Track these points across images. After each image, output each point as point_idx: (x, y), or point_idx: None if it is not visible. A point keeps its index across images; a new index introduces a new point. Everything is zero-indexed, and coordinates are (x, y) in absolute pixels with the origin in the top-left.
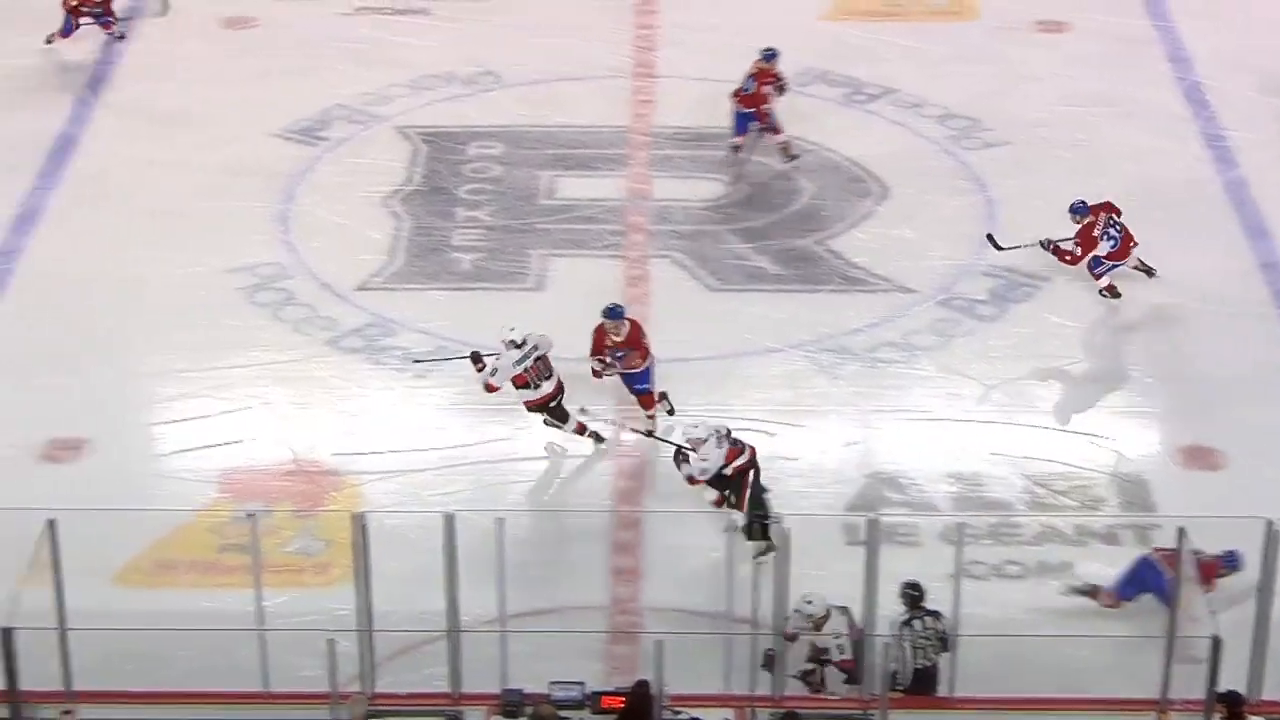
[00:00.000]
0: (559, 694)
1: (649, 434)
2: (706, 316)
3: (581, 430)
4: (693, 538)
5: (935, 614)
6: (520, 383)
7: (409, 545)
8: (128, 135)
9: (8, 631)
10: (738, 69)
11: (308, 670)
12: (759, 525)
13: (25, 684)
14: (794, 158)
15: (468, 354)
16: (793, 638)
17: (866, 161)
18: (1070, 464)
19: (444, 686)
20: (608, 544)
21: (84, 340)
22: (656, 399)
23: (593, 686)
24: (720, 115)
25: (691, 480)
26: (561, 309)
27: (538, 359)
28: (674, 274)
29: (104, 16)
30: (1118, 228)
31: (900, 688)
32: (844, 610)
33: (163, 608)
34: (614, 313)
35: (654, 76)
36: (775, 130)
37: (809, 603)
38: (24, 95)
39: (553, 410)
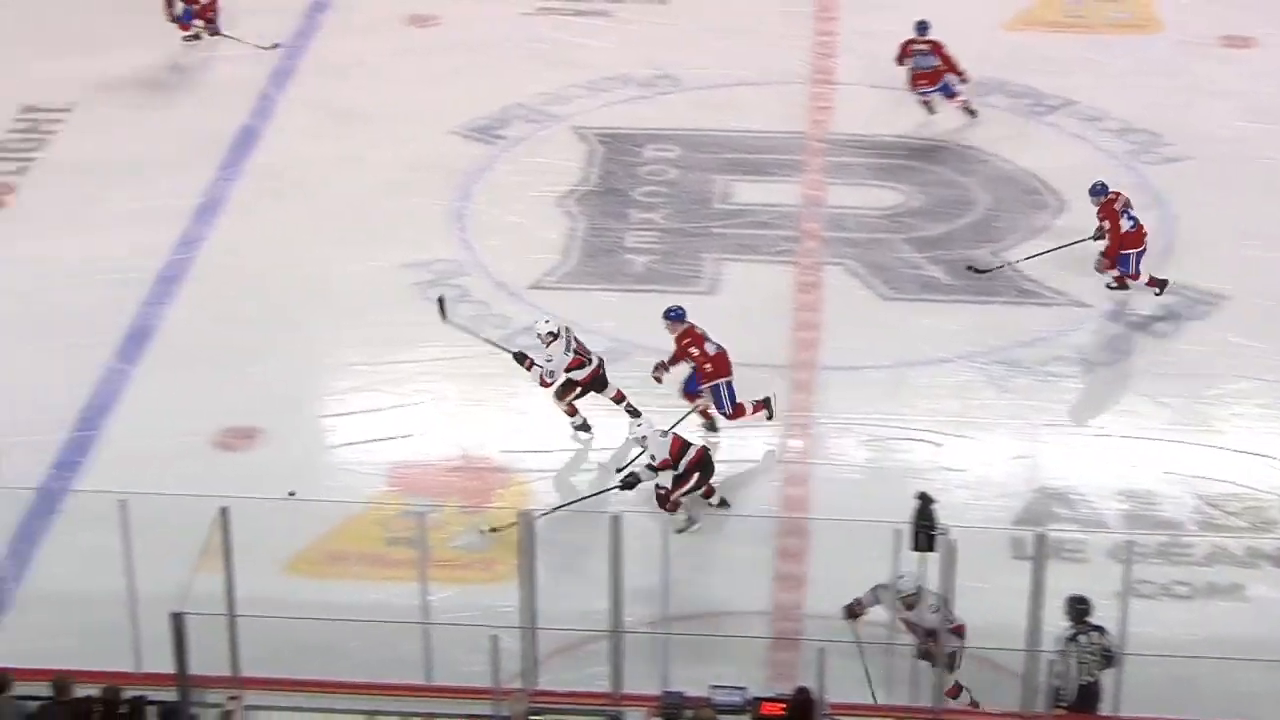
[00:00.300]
0: (720, 698)
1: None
2: (878, 325)
3: (620, 399)
4: (859, 546)
5: (1100, 629)
6: (576, 364)
7: (574, 544)
8: (310, 130)
9: (179, 616)
10: None
11: (471, 665)
12: (925, 536)
13: (194, 668)
14: (973, 113)
15: (513, 352)
16: (856, 615)
17: (1044, 173)
18: (1243, 485)
19: (605, 686)
20: (773, 549)
21: (260, 330)
22: (696, 401)
23: (754, 692)
24: (897, 123)
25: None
26: (734, 313)
27: (577, 339)
28: (847, 282)
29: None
30: (1133, 211)
31: (1064, 704)
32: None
33: (330, 598)
34: (670, 314)
35: (832, 83)
36: (954, 94)
37: (901, 578)
38: (209, 88)
39: (599, 383)
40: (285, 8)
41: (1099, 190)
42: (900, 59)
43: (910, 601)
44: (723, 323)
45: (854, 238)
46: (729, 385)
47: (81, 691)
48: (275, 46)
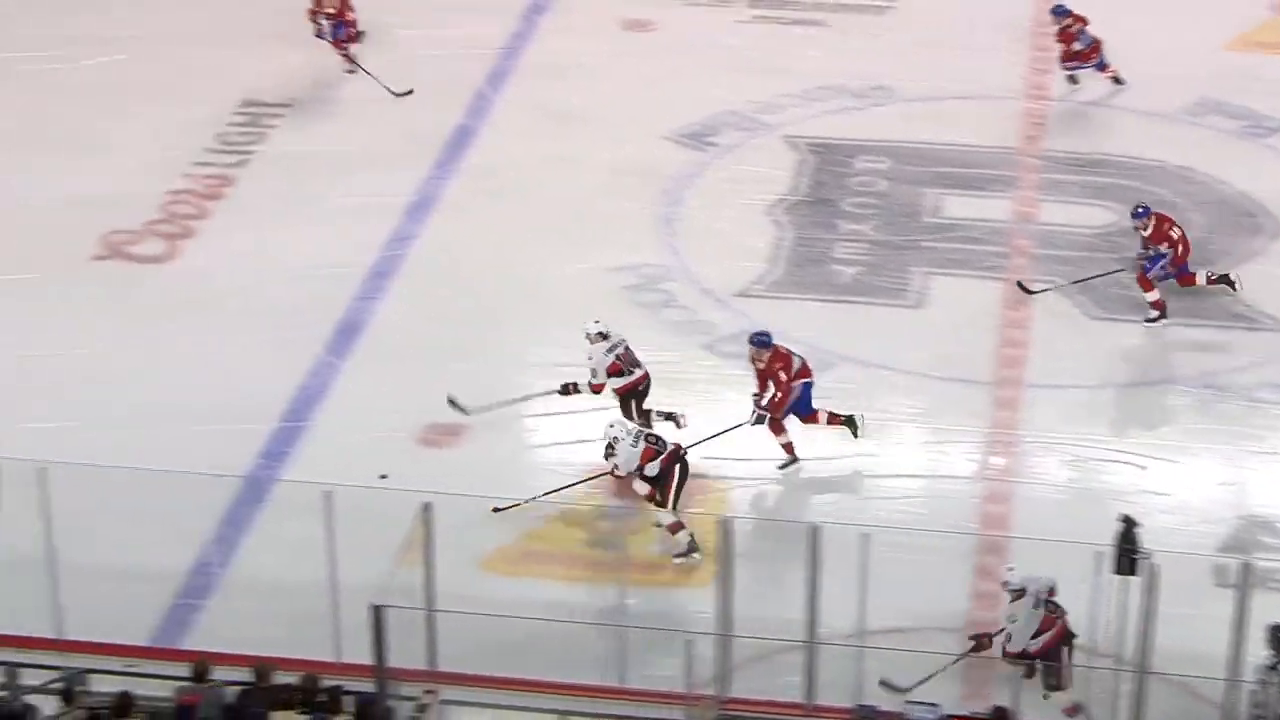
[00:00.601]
0: (915, 714)
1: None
2: (1085, 344)
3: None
4: (1060, 568)
5: None
6: (614, 370)
7: (770, 552)
8: (524, 130)
9: (379, 609)
10: (1135, 96)
11: (664, 669)
12: (1127, 560)
13: (391, 661)
14: (1121, 82)
15: (557, 388)
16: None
17: (1260, 197)
18: None
19: (798, 696)
20: (971, 567)
21: (467, 328)
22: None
23: (948, 709)
24: (1111, 142)
25: (615, 475)
26: (940, 328)
27: (626, 347)
28: (1055, 300)
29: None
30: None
31: None
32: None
33: (526, 596)
34: (757, 340)
35: (1047, 99)
36: (1105, 66)
37: (1010, 569)
38: (426, 86)
39: (639, 396)
40: (504, 9)
41: (1140, 214)
42: (1068, 47)
43: (1015, 596)
44: (928, 337)
45: (1064, 255)
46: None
47: (281, 679)
48: (408, 93)
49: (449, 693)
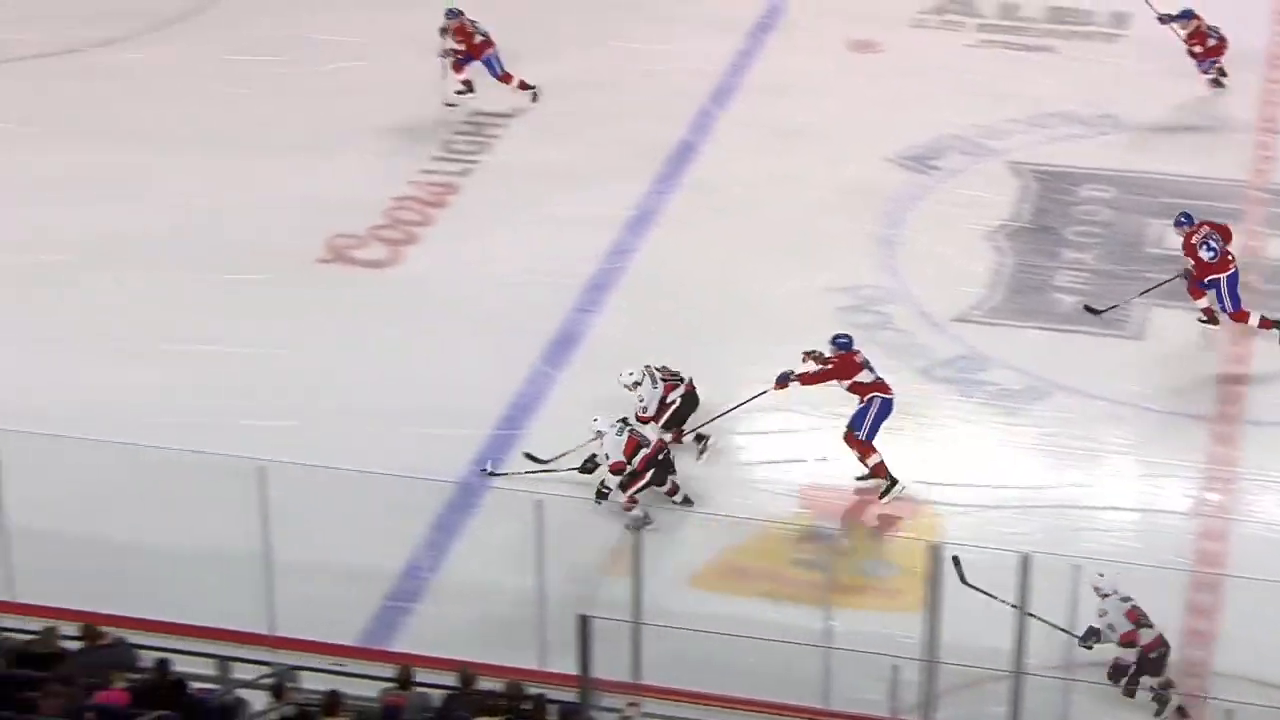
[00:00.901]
0: None
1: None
2: None
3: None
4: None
5: None
6: (671, 388)
7: (982, 580)
8: (746, 147)
9: (586, 619)
10: None
11: (868, 693)
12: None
13: (596, 672)
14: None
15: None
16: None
17: None
18: None
19: None
20: (1183, 603)
21: (683, 342)
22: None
23: None
24: None
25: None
26: (1159, 360)
27: (664, 371)
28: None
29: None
30: (1217, 240)
31: None
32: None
33: (732, 613)
34: (835, 341)
35: (1278, 132)
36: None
37: (1101, 575)
38: (649, 102)
39: (694, 400)
40: (731, 27)
41: (1183, 222)
42: (1203, 49)
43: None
44: (1147, 368)
45: None
46: (880, 410)
47: (485, 685)
48: (533, 90)
49: (651, 705)
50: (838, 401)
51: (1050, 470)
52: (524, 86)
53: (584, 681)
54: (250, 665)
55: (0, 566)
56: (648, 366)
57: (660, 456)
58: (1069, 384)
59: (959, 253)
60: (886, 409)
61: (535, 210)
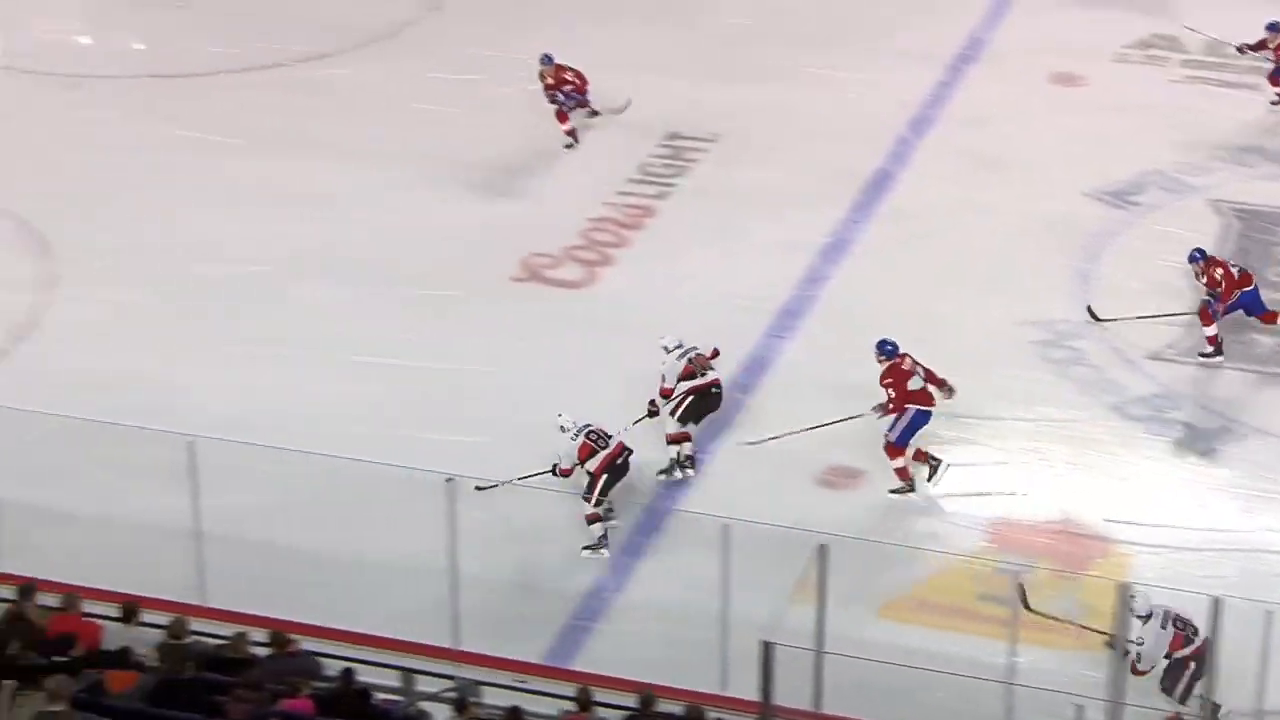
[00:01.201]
0: None
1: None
2: None
3: (676, 441)
4: None
5: None
6: (688, 373)
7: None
8: (944, 177)
9: (769, 645)
10: None
11: None
12: None
13: (778, 699)
14: None
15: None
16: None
17: None
18: None
19: None
20: None
21: (874, 370)
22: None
23: None
24: None
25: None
26: None
27: (697, 354)
28: None
29: (573, 97)
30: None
31: None
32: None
33: (915, 645)
34: (881, 348)
35: None
36: None
37: (1134, 597)
38: (848, 130)
39: (713, 399)
40: (932, 57)
41: (1195, 258)
42: None
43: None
44: None
45: None
46: (911, 420)
47: (665, 708)
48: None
49: None
50: (1029, 436)
51: (1243, 513)
52: (570, 134)
53: (765, 708)
54: (434, 678)
55: (193, 571)
56: (684, 347)
57: (618, 461)
58: (1265, 426)
59: (1156, 290)
60: (921, 419)
61: (730, 234)
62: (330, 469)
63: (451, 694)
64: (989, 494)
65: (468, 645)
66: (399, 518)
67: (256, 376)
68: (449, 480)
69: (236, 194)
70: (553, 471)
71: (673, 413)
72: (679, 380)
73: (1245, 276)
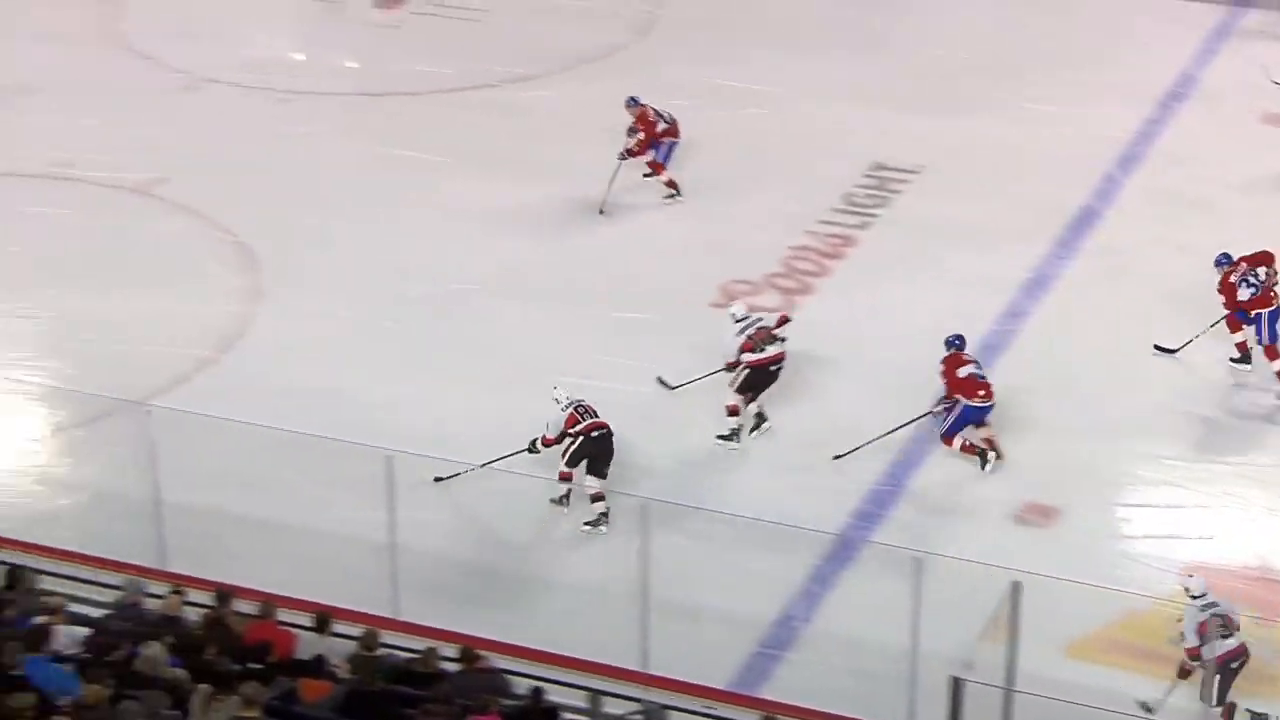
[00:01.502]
0: None
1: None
2: None
3: (735, 412)
4: None
5: None
6: (747, 347)
7: None
8: (1150, 216)
9: (959, 681)
10: None
11: None
12: None
13: None
14: None
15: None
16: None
17: None
18: None
19: None
20: None
21: (1067, 408)
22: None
23: None
24: None
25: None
26: None
27: (760, 327)
28: None
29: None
30: (1258, 276)
31: None
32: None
33: (1104, 686)
34: (950, 342)
35: None
36: None
37: (1190, 576)
38: (1054, 165)
39: (771, 375)
40: (1142, 95)
41: (1221, 262)
42: None
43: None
44: None
45: None
46: (961, 413)
47: None
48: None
49: None
50: (1229, 480)
51: None
52: (670, 184)
53: None
54: (621, 700)
55: (387, 584)
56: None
57: (594, 434)
58: None
59: None
60: (969, 414)
61: (931, 267)
62: (522, 488)
63: (638, 716)
64: (1186, 537)
65: (656, 669)
66: (591, 541)
67: (457, 394)
68: (643, 505)
69: (443, 212)
70: (530, 447)
71: (732, 384)
72: (740, 352)
73: (1264, 298)
